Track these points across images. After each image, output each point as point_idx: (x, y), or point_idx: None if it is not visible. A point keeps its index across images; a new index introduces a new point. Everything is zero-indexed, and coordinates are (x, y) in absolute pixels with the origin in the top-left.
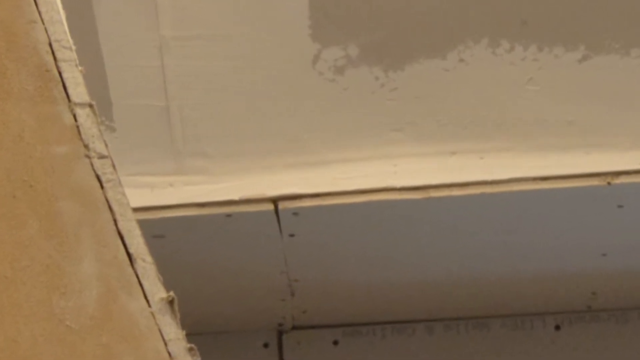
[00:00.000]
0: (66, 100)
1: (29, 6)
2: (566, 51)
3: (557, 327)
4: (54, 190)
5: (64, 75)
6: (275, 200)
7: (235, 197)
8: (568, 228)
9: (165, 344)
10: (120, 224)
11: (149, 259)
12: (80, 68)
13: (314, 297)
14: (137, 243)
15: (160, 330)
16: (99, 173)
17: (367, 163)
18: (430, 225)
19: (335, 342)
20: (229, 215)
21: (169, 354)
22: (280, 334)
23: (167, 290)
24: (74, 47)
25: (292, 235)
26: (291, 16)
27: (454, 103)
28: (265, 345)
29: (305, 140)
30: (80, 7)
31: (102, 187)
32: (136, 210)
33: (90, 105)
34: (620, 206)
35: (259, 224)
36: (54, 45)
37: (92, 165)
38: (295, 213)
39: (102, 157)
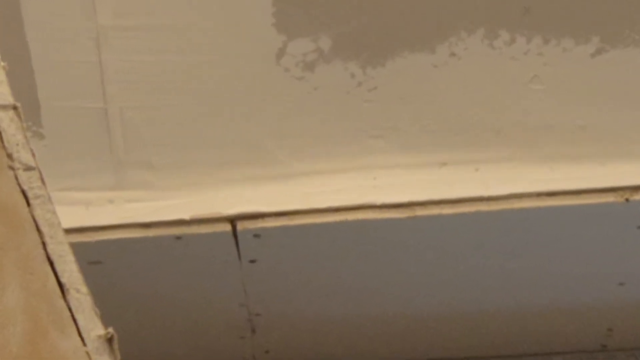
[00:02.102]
0: None
1: None
2: (576, 44)
3: None
4: None
5: None
6: (233, 220)
7: (186, 216)
8: (579, 253)
9: None
10: (50, 248)
11: (83, 289)
12: (2, 64)
13: (278, 334)
14: (70, 270)
15: None
16: (25, 188)
17: (341, 176)
18: (416, 249)
19: None
20: (178, 238)
21: None
22: None
23: (106, 326)
24: None
25: (252, 262)
26: (252, 3)
27: (444, 105)
28: None
29: (269, 148)
30: None
31: (28, 204)
32: (69, 231)
33: (15, 108)
34: None
35: (214, 247)
36: None
37: (16, 178)
38: (257, 235)
39: (28, 168)
